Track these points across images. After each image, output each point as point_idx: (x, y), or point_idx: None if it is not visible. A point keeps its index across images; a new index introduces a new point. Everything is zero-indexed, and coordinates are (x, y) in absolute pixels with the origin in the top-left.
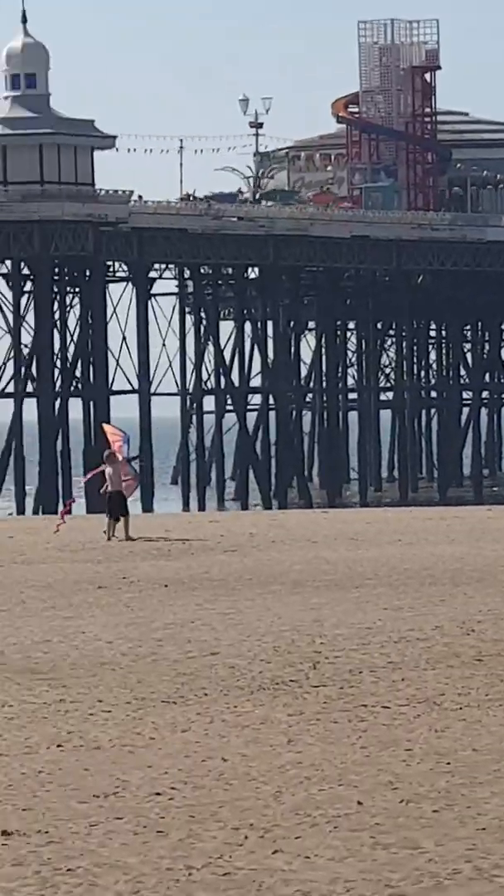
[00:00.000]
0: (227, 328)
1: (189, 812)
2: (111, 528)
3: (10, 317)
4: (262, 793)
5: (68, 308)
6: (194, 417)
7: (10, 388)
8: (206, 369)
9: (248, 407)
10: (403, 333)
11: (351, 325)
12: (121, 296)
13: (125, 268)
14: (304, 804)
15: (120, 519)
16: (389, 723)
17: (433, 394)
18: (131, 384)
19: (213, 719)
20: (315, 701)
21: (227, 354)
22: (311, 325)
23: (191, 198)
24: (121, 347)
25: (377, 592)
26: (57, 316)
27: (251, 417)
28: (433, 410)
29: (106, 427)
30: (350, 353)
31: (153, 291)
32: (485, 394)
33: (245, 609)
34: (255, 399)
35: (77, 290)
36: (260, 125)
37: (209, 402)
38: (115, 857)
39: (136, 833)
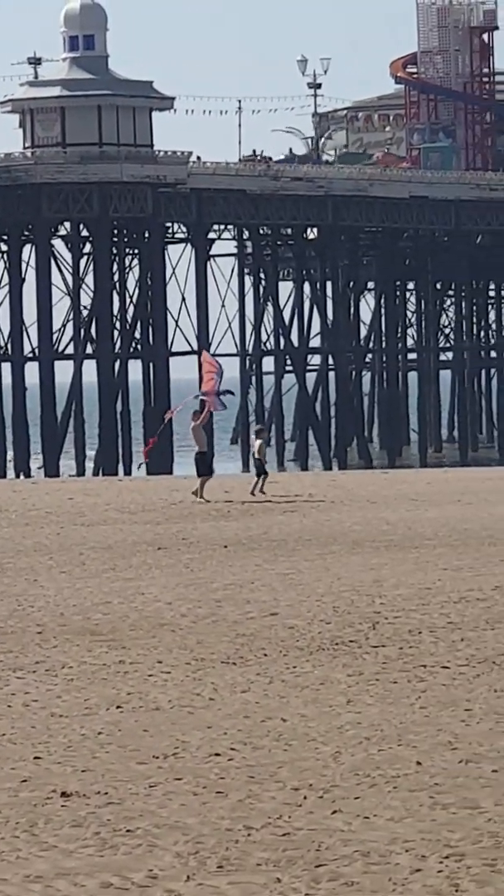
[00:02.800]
0: (286, 289)
1: (248, 773)
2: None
3: (70, 279)
4: (321, 753)
5: (127, 270)
6: (253, 378)
7: (70, 350)
8: (266, 330)
9: (308, 367)
10: (462, 293)
11: (410, 285)
12: (179, 257)
13: (184, 229)
14: (364, 764)
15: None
16: (449, 683)
17: (493, 354)
18: (190, 345)
19: (273, 680)
20: (374, 661)
21: (286, 315)
22: (371, 285)
23: (260, 158)
24: (180, 309)
25: (437, 553)
26: (116, 278)
27: (310, 378)
28: (493, 370)
29: (205, 355)
30: (409, 314)
31: (212, 252)
32: None
33: (304, 569)
34: (315, 360)
35: (136, 251)
36: (318, 86)
37: (268, 363)
38: (175, 818)
39: (195, 794)
